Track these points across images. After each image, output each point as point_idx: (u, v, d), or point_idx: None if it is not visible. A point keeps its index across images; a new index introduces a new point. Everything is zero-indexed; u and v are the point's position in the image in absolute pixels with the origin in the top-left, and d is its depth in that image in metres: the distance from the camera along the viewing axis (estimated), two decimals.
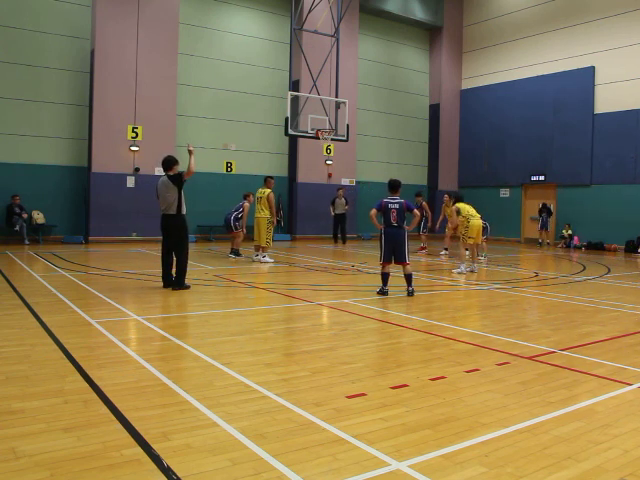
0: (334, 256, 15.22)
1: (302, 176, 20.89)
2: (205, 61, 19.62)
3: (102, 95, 16.94)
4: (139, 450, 3.02)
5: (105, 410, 3.59)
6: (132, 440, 3.15)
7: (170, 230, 8.73)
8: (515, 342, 5.74)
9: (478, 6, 24.59)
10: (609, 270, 13.22)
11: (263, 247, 12.82)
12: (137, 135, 17.55)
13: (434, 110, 25.07)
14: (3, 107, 16.45)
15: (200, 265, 11.85)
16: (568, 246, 20.51)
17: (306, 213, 20.93)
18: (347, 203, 19.85)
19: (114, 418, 3.46)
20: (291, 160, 21.32)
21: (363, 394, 4.03)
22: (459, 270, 11.70)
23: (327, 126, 16.17)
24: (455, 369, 4.73)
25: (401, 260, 8.63)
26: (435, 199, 23.50)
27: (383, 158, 23.89)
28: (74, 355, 4.80)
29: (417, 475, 2.82)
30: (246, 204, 13.61)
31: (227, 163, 20.05)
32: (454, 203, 12.49)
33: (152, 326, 6.08)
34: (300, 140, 19.87)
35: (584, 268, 13.53)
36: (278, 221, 19.49)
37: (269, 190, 12.94)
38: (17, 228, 15.87)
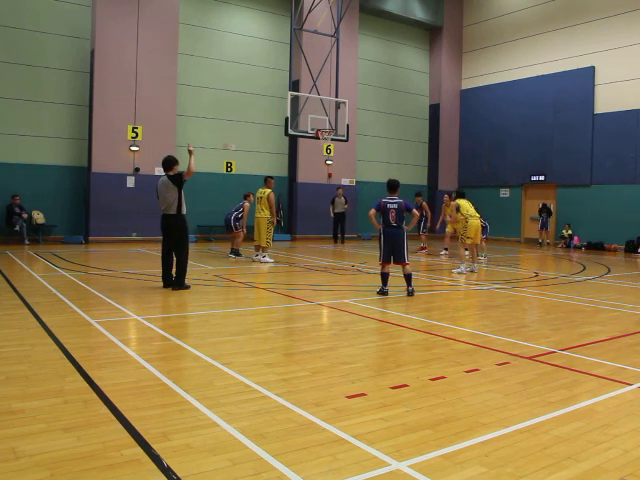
0: (334, 256, 15.22)
1: (302, 176, 20.89)
2: (205, 61, 19.62)
3: (102, 95, 16.94)
4: (139, 450, 3.02)
5: (105, 410, 3.60)
6: (132, 440, 3.15)
7: (170, 230, 8.73)
8: (515, 342, 5.74)
9: (478, 6, 24.59)
10: (609, 270, 13.22)
11: (263, 247, 12.82)
12: (137, 135, 17.55)
13: (434, 110, 25.07)
14: (3, 107, 16.45)
15: (200, 265, 11.85)
16: (568, 246, 20.51)
17: (306, 213, 20.93)
18: (347, 202, 19.97)
19: (114, 418, 3.46)
20: (291, 160, 21.32)
21: (363, 394, 4.03)
22: (459, 270, 11.70)
23: (327, 126, 16.16)
24: (455, 369, 4.73)
25: (400, 260, 8.63)
26: (435, 199, 23.51)
27: (383, 158, 23.89)
28: (74, 355, 4.80)
29: (417, 475, 2.82)
30: (246, 204, 13.61)
31: (227, 163, 20.05)
32: (455, 198, 12.47)
33: (152, 326, 6.08)
34: (300, 140, 19.87)
35: (584, 268, 13.53)
36: (278, 221, 19.50)
37: (269, 190, 12.94)
38: (17, 228, 15.87)
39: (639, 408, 3.92)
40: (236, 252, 13.60)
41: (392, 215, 8.58)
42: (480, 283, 10.43)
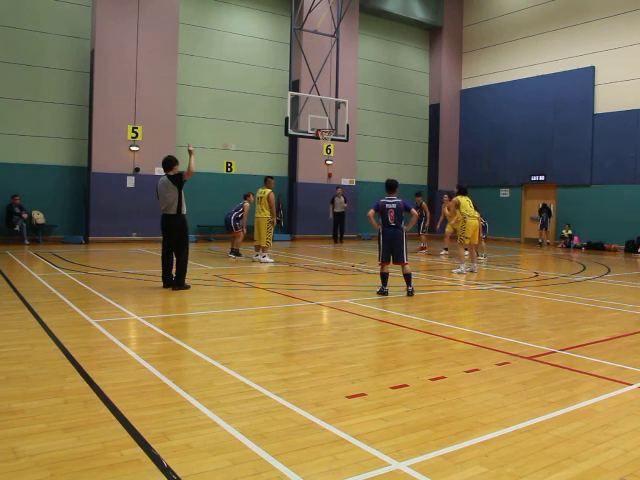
0: (334, 256, 15.22)
1: (302, 176, 20.89)
2: (205, 61, 19.62)
3: (102, 95, 16.94)
4: (139, 450, 3.03)
5: (105, 410, 3.60)
6: (132, 440, 3.15)
7: (170, 230, 8.73)
8: (515, 342, 5.74)
9: (478, 6, 24.59)
10: (609, 270, 13.22)
11: (263, 247, 12.82)
12: (137, 135, 17.55)
13: (434, 110, 25.07)
14: (3, 107, 16.45)
15: (200, 265, 11.85)
16: (568, 246, 20.51)
17: (306, 213, 20.93)
18: (346, 202, 20.01)
19: (114, 418, 3.46)
20: (291, 160, 21.32)
21: (363, 394, 4.03)
22: (459, 270, 11.70)
23: (327, 126, 16.16)
24: (455, 369, 4.73)
25: (399, 260, 8.63)
26: (435, 199, 23.51)
27: (383, 158, 23.89)
28: (74, 355, 4.80)
29: (417, 475, 2.82)
30: (246, 204, 13.61)
31: (227, 163, 20.05)
32: (457, 194, 12.41)
33: (152, 326, 6.08)
34: (300, 140, 19.87)
35: (584, 268, 13.53)
36: (278, 221, 19.50)
37: (269, 190, 12.94)
38: (17, 228, 15.87)
39: (639, 408, 3.92)
40: (236, 252, 13.60)
41: (391, 215, 8.58)
42: (480, 283, 10.43)
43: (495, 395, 4.09)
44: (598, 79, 20.21)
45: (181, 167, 9.02)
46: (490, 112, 23.78)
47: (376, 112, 23.68)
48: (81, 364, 4.55)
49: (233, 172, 20.12)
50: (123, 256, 13.75)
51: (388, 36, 24.13)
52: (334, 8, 17.44)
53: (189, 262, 8.91)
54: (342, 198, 19.95)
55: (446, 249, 16.12)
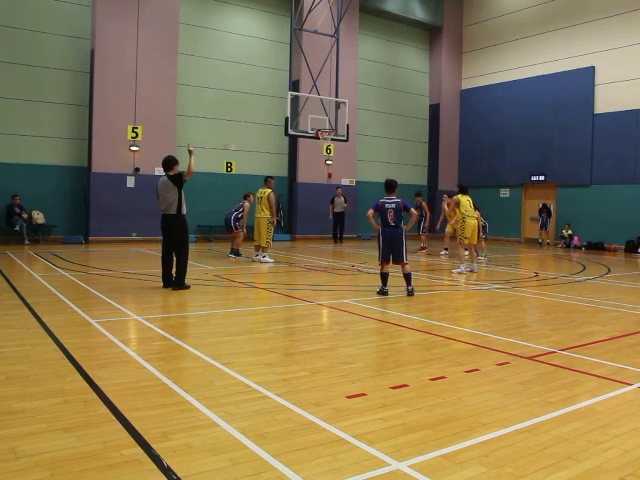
0: (334, 256, 15.22)
1: (302, 176, 20.89)
2: (205, 61, 19.62)
3: (102, 95, 16.94)
4: (139, 450, 3.03)
5: (105, 410, 3.60)
6: (132, 440, 3.15)
7: (170, 230, 8.73)
8: (515, 342, 5.74)
9: (478, 6, 24.59)
10: (609, 270, 13.22)
11: (263, 247, 12.82)
12: (137, 135, 17.55)
13: (434, 110, 25.06)
14: (3, 107, 16.45)
15: (200, 265, 11.85)
16: (568, 246, 20.51)
17: (306, 213, 20.93)
18: (346, 202, 20.03)
19: (114, 418, 3.46)
20: (291, 160, 21.32)
21: (363, 394, 4.03)
22: (459, 270, 11.70)
23: (327, 126, 16.16)
24: (455, 369, 4.73)
25: (399, 260, 8.63)
26: (435, 199, 23.51)
27: (383, 158, 23.89)
28: (74, 355, 4.80)
29: (417, 475, 2.82)
30: (246, 204, 13.61)
31: (227, 163, 20.05)
32: (458, 192, 12.40)
33: (152, 326, 6.08)
34: (300, 140, 19.87)
35: (584, 268, 13.53)
36: (278, 221, 19.51)
37: (269, 190, 12.94)
38: (17, 228, 15.86)
39: (639, 408, 3.92)
40: (236, 252, 13.60)
41: (390, 215, 8.59)
42: (480, 283, 10.43)
43: (495, 395, 4.09)
44: (598, 79, 20.21)
45: (181, 167, 9.02)
46: (490, 112, 23.78)
47: (376, 112, 23.68)
48: (81, 364, 4.55)
49: (233, 172, 20.12)
50: (123, 256, 13.75)
51: (388, 36, 24.12)
52: (334, 8, 17.44)
53: (189, 262, 8.91)
54: (342, 198, 19.98)
55: (446, 249, 16.13)
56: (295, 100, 15.98)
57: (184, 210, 8.74)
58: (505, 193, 23.31)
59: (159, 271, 9.04)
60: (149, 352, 5.10)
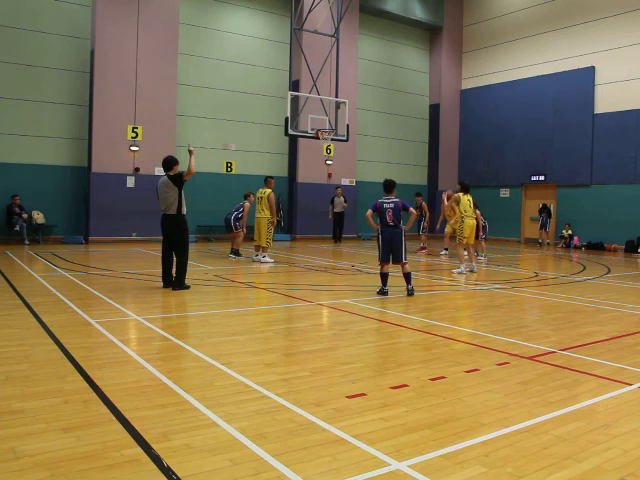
0: (334, 256, 15.22)
1: (302, 176, 20.89)
2: (205, 61, 19.62)
3: (102, 95, 16.94)
4: (139, 450, 3.02)
5: (105, 410, 3.60)
6: (132, 440, 3.15)
7: (170, 230, 8.73)
8: (515, 342, 5.74)
9: (478, 6, 24.59)
10: (609, 270, 13.22)
11: (263, 247, 12.83)
12: (137, 135, 17.55)
13: (434, 110, 25.06)
14: (3, 107, 16.45)
15: (200, 265, 11.85)
16: (568, 246, 20.51)
17: (306, 213, 20.93)
18: (346, 201, 20.05)
19: (114, 418, 3.46)
20: (291, 160, 21.32)
21: (363, 394, 4.03)
22: (459, 270, 11.70)
23: (327, 126, 16.16)
24: (455, 369, 4.73)
25: (398, 260, 8.63)
26: (435, 199, 23.51)
27: (383, 158, 23.89)
28: (74, 355, 4.80)
29: (417, 475, 2.82)
30: (246, 204, 13.61)
31: (227, 163, 20.05)
32: (459, 191, 12.37)
33: (152, 326, 6.08)
34: (300, 140, 19.87)
35: (584, 268, 13.53)
36: (278, 221, 19.51)
37: (269, 190, 12.94)
38: (17, 228, 15.86)
39: (639, 408, 3.92)
40: (236, 252, 13.60)
41: (389, 215, 8.59)
42: (480, 283, 10.43)
43: (495, 395, 4.09)
44: (598, 79, 20.21)
45: (181, 167, 9.02)
46: (490, 112, 23.78)
47: (376, 112, 23.68)
48: (81, 364, 4.55)
49: (233, 172, 20.12)
50: (123, 256, 13.75)
51: (388, 36, 24.12)
52: (334, 8, 17.43)
53: (189, 262, 8.91)
54: (342, 198, 20.00)
55: (446, 249, 16.13)
56: (295, 100, 15.98)
57: (184, 210, 8.74)
58: (505, 193, 23.32)
59: (159, 271, 9.04)
60: (149, 352, 5.09)
